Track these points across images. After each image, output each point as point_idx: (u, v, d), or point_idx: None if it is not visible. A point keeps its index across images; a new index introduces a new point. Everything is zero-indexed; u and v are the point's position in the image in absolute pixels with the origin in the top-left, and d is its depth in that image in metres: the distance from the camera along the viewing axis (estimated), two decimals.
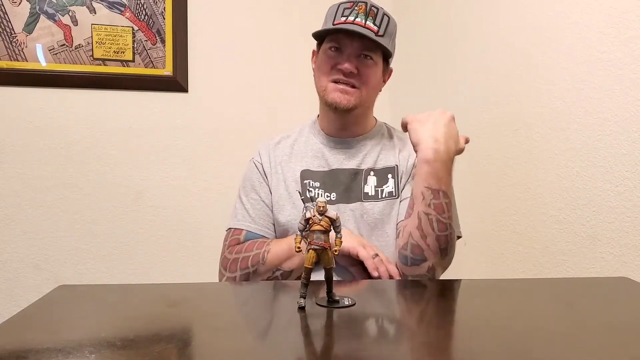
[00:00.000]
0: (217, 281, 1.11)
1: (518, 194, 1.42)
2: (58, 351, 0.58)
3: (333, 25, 1.05)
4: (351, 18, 1.04)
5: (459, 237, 1.09)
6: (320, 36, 1.11)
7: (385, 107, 2.13)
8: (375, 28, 1.04)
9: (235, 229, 1.13)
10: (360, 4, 1.05)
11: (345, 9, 1.06)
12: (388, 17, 1.07)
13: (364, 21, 1.03)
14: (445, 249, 0.96)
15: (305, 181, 1.11)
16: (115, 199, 1.90)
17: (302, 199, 0.95)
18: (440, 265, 0.98)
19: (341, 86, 1.07)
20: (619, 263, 1.12)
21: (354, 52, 1.06)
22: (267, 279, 1.05)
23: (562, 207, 1.27)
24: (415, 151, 0.97)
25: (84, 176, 1.87)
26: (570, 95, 1.25)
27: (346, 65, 1.05)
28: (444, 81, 1.81)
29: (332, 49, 1.07)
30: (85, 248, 1.88)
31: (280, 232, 1.12)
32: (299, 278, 1.00)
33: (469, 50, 1.66)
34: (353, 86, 1.07)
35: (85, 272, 1.87)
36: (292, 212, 1.09)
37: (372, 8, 1.05)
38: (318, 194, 1.08)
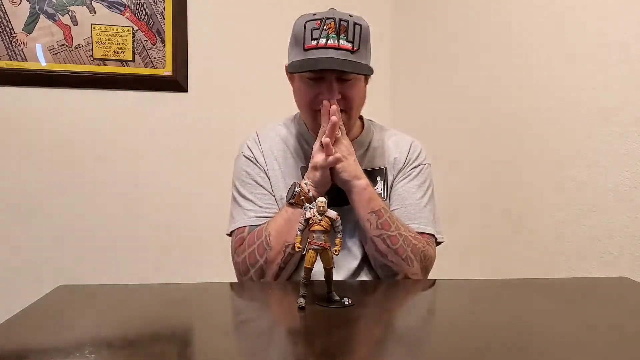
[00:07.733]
0: (217, 281, 1.10)
1: (518, 193, 1.42)
2: (58, 351, 0.58)
3: (304, 49, 0.98)
4: (322, 41, 0.96)
5: (440, 243, 1.08)
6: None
7: (386, 108, 2.13)
8: (349, 45, 0.97)
9: (239, 227, 1.05)
10: (328, 21, 0.97)
11: (313, 29, 0.97)
12: (359, 24, 0.99)
13: (336, 41, 0.96)
14: (408, 257, 0.98)
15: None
16: (115, 199, 1.90)
17: (302, 199, 0.95)
18: (417, 270, 0.99)
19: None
20: (619, 263, 1.12)
21: (334, 77, 1.00)
22: (282, 264, 0.98)
23: (562, 207, 1.27)
24: (350, 187, 0.98)
25: (84, 176, 1.87)
26: (570, 95, 1.25)
27: (329, 99, 0.99)
28: (444, 82, 1.81)
29: (311, 79, 1.01)
30: (85, 248, 1.88)
31: None
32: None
33: (469, 50, 1.66)
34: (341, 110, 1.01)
35: (85, 272, 1.87)
36: None
37: (342, 23, 0.97)
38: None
